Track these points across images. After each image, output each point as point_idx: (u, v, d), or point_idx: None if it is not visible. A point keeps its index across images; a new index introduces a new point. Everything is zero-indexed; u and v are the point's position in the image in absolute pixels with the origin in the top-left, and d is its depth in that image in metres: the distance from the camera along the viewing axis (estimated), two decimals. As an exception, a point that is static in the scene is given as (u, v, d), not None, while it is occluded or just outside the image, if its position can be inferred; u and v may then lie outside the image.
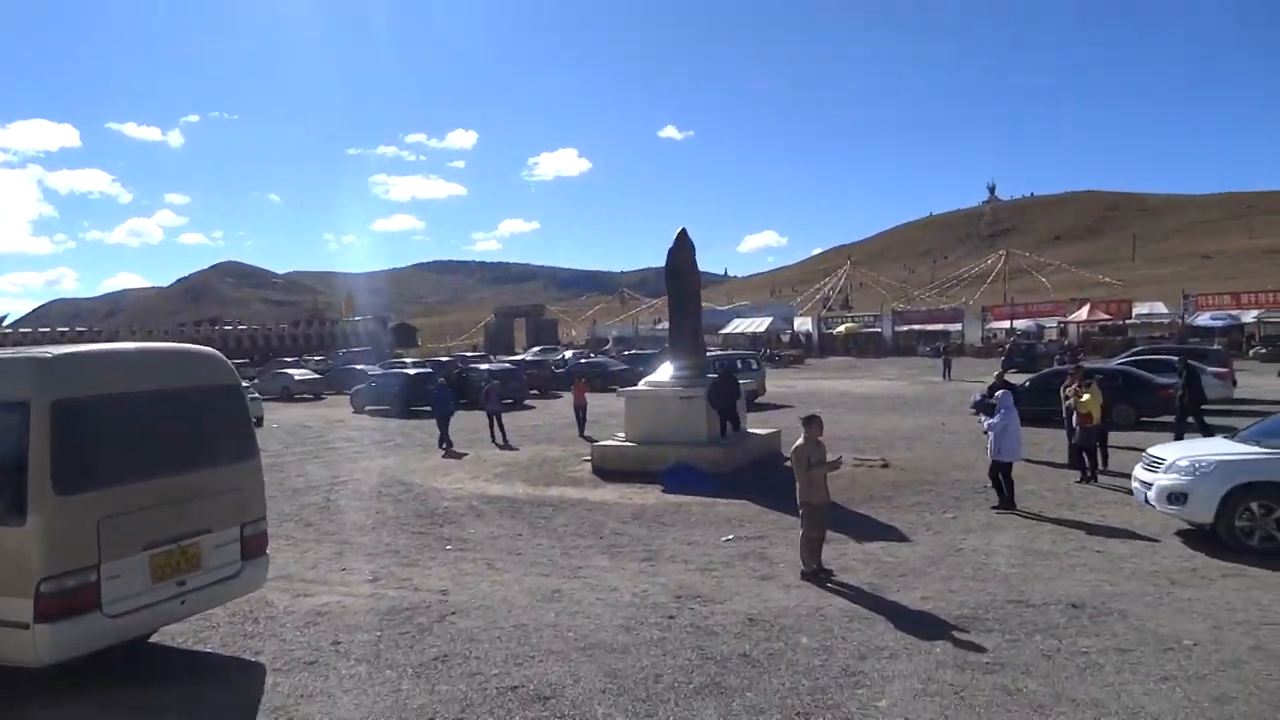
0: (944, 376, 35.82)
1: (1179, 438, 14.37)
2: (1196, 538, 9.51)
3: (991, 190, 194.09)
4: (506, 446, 19.70)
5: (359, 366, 40.39)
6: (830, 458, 8.92)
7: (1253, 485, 8.92)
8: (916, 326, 55.51)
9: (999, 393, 12.00)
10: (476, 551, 10.19)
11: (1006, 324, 51.97)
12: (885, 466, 15.04)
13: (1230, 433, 10.37)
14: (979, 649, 6.55)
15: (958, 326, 53.61)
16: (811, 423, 8.80)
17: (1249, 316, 44.15)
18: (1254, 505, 8.89)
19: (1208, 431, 15.72)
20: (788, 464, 15.66)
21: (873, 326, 58.30)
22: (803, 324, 63.14)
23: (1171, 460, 9.56)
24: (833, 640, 6.86)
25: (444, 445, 19.80)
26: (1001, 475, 11.55)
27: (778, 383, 38.59)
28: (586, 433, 20.76)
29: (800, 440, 8.75)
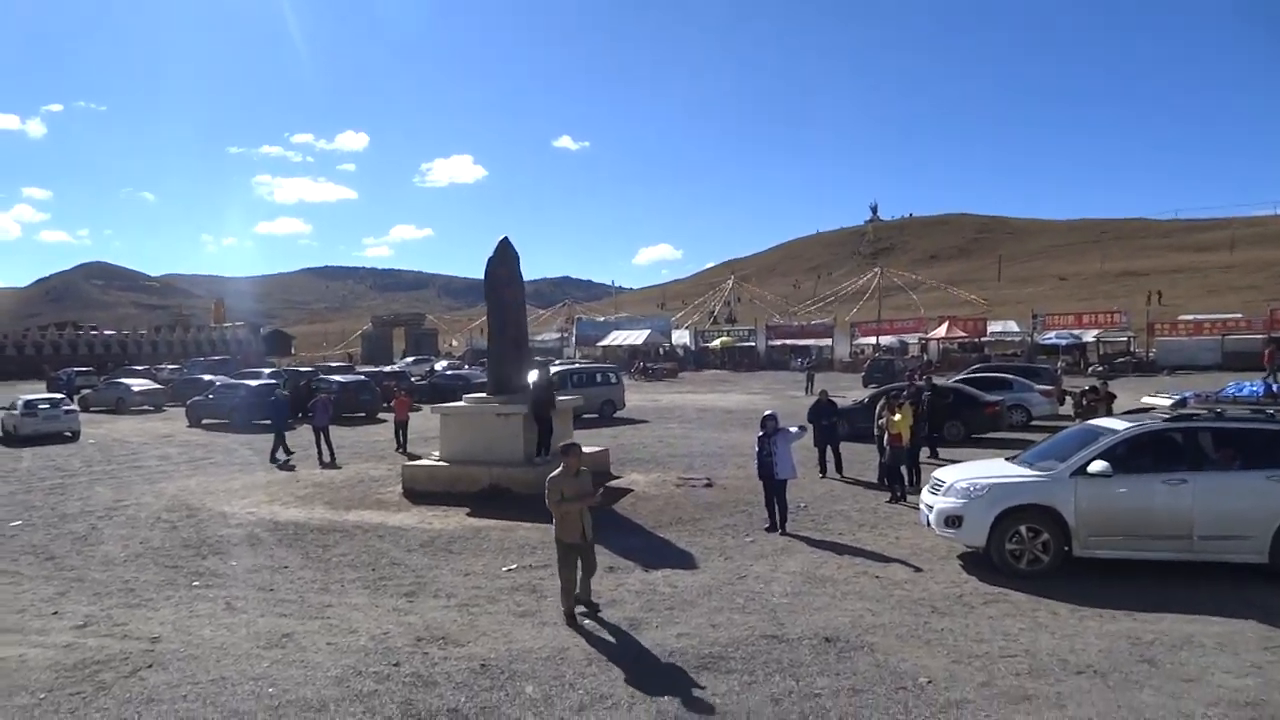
0: (807, 391, 36.31)
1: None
2: (974, 562, 9.45)
3: (874, 210, 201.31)
4: (331, 464, 18.54)
5: (205, 377, 37.87)
6: (587, 491, 8.09)
7: (1022, 508, 8.91)
8: (790, 341, 56.56)
9: (767, 412, 11.81)
10: (223, 588, 9.20)
11: (873, 340, 53.57)
12: (709, 486, 14.74)
13: (1016, 454, 10.43)
14: (708, 697, 6.11)
15: (828, 342, 54.95)
16: (569, 452, 8.12)
17: (1089, 336, 46.94)
18: (1023, 528, 8.87)
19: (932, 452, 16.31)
20: (610, 484, 15.48)
21: (747, 340, 59.09)
22: (680, 337, 63.49)
23: (950, 483, 9.48)
24: (560, 689, 6.29)
25: (276, 460, 18.72)
26: (776, 496, 11.33)
27: (644, 396, 38.42)
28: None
29: (557, 470, 8.08)
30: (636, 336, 60.55)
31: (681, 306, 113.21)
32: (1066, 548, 8.81)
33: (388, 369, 43.98)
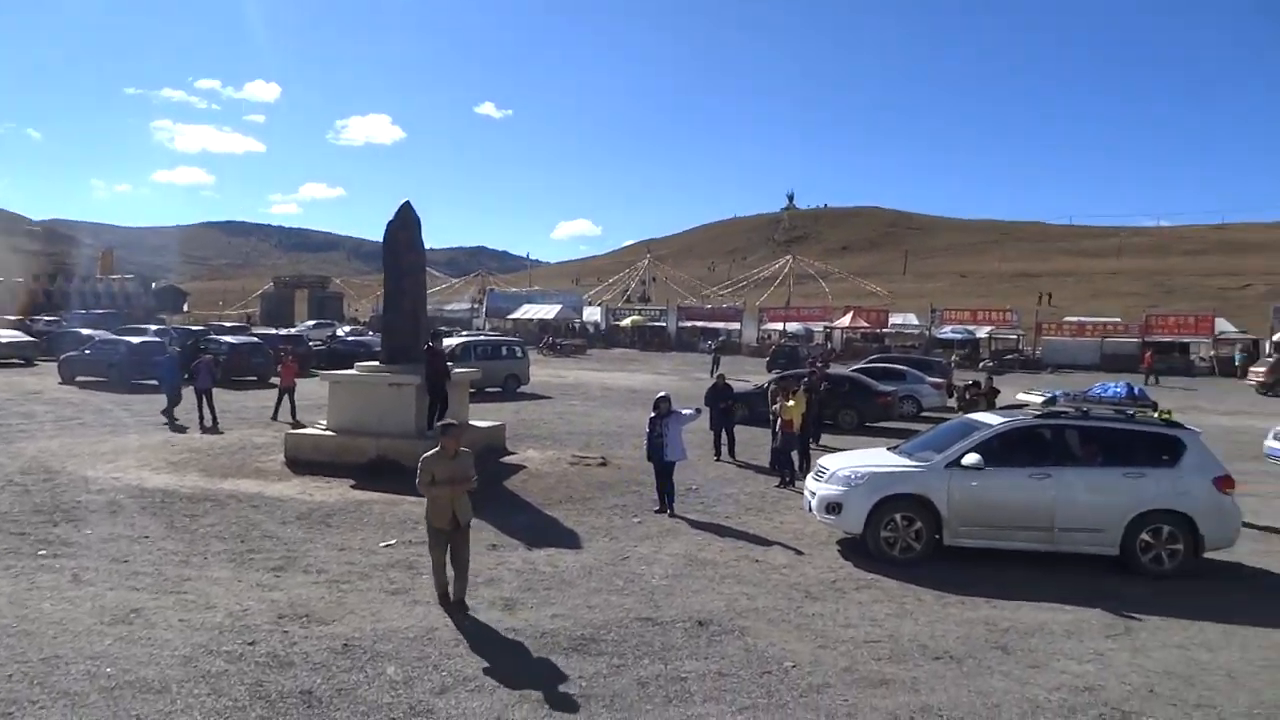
0: (712, 374, 36.56)
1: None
2: (852, 548, 9.67)
3: (790, 198, 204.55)
4: (213, 429, 17.69)
5: (84, 331, 35.62)
6: (463, 475, 7.38)
7: (899, 497, 9.15)
8: (700, 323, 57.07)
9: (660, 394, 11.84)
10: (73, 559, 8.63)
11: (781, 326, 54.56)
12: (603, 465, 14.67)
13: (897, 444, 10.71)
14: (574, 680, 6.04)
15: (737, 326, 55.68)
16: (448, 432, 7.53)
17: (982, 332, 49.00)
18: (898, 517, 9.12)
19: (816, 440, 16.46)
20: (504, 460, 15.27)
21: (658, 321, 59.36)
22: (591, 314, 63.29)
23: (832, 471, 9.67)
24: (423, 670, 6.12)
25: (172, 420, 18.39)
26: (665, 478, 11.39)
27: (550, 372, 38.13)
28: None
29: (433, 450, 7.51)
30: (547, 311, 60.01)
31: (597, 283, 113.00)
32: (938, 536, 9.11)
33: (284, 332, 42.32)
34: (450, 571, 7.47)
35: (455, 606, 7.31)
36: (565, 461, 14.89)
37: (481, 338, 33.17)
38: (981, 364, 43.50)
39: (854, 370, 23.57)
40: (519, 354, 29.42)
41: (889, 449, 10.26)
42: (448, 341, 29.77)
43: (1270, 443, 15.84)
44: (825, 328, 53.20)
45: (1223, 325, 46.09)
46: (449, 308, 69.13)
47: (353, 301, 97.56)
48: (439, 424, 7.85)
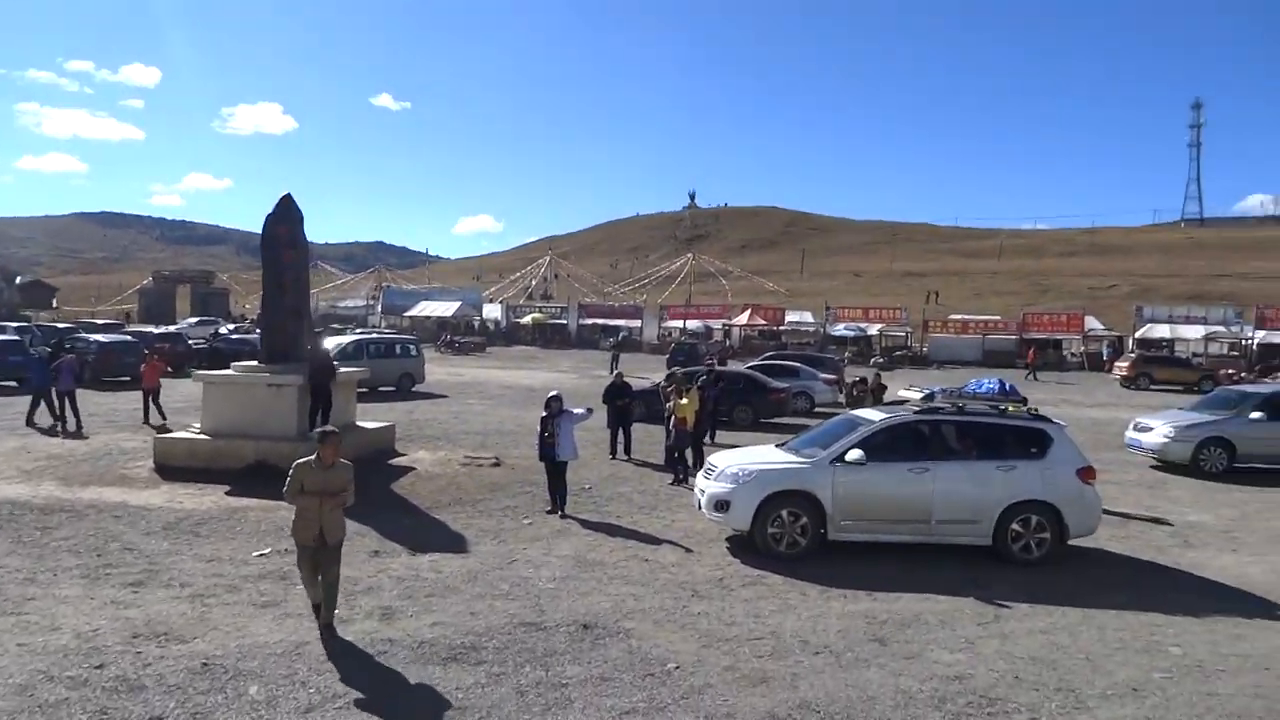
0: (611, 371, 36.62)
1: None
2: (740, 544, 9.75)
3: (692, 197, 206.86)
4: (77, 434, 16.52)
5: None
6: (336, 488, 6.66)
7: (785, 493, 9.27)
8: (601, 320, 57.08)
9: (551, 393, 11.71)
10: (-102, 580, 7.85)
11: (681, 323, 55.12)
12: (496, 465, 14.41)
13: (785, 440, 10.86)
14: (450, 692, 5.84)
15: (638, 323, 55.95)
16: (325, 440, 6.76)
17: (874, 329, 50.81)
18: (784, 513, 9.24)
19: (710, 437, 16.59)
20: (393, 462, 14.81)
21: (559, 318, 59.06)
22: (491, 311, 62.43)
23: (721, 469, 9.73)
24: (288, 688, 5.80)
25: (34, 424, 17.18)
26: (557, 478, 11.27)
27: (448, 370, 37.43)
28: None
29: (308, 457, 6.83)
30: (446, 308, 58.86)
31: (499, 280, 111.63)
32: (823, 531, 9.28)
33: (159, 330, 40.06)
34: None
35: (323, 631, 6.71)
36: (457, 462, 14.55)
37: (374, 335, 32.17)
38: (872, 360, 45.05)
39: (749, 367, 23.95)
40: (414, 352, 28.67)
41: (777, 446, 10.40)
42: (339, 340, 28.83)
43: (1130, 434, 16.88)
44: (724, 325, 54.03)
45: (1091, 323, 49.14)
46: (344, 304, 66.98)
47: (240, 298, 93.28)
48: (317, 431, 7.12)
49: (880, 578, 8.67)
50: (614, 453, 15.60)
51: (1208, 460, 15.47)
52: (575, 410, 11.59)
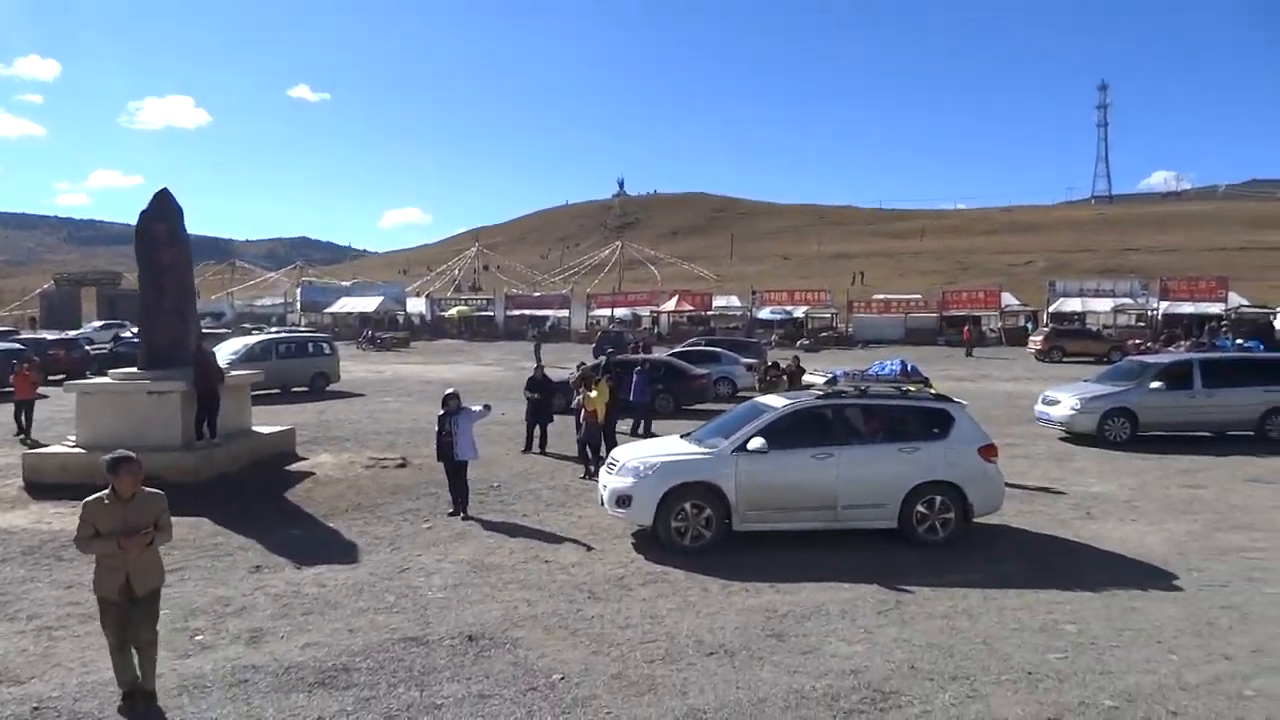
0: (535, 362, 36.09)
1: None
2: (646, 539, 9.45)
3: (621, 185, 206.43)
4: (-54, 452, 15.33)
5: None
6: (136, 526, 5.28)
7: (687, 485, 8.99)
8: (528, 311, 56.30)
9: (448, 391, 11.23)
10: None
11: (609, 311, 54.76)
12: (402, 467, 13.85)
13: (690, 431, 10.60)
14: (309, 720, 5.38)
15: (565, 313, 55.41)
16: (118, 469, 5.28)
17: (800, 311, 51.28)
18: (688, 506, 8.96)
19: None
20: (291, 468, 14.10)
21: (486, 310, 58.08)
22: (416, 305, 61.04)
23: (623, 462, 9.41)
24: (127, 729, 5.26)
25: None
26: (457, 478, 10.83)
27: (368, 367, 36.42)
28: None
29: (99, 494, 5.36)
30: (368, 304, 57.30)
31: (427, 273, 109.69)
32: (728, 522, 9.04)
33: (54, 336, 37.95)
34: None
35: (143, 699, 5.49)
36: (361, 465, 13.94)
37: (284, 335, 30.94)
38: (799, 343, 45.44)
39: (671, 354, 23.73)
40: (327, 350, 27.65)
41: (682, 436, 10.12)
42: (246, 340, 27.65)
43: (1040, 407, 17.15)
44: (652, 312, 53.86)
45: (1008, 299, 50.43)
46: (260, 303, 64.68)
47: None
48: (107, 458, 5.42)
49: (786, 568, 8.47)
50: (528, 446, 15.18)
51: (1112, 430, 15.80)
52: (473, 407, 11.14)
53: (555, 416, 15.80)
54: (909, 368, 9.77)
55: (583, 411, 13.37)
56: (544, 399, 15.44)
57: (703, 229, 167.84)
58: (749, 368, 23.65)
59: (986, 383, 29.39)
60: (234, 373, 14.48)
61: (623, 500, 9.12)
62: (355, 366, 37.10)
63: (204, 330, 14.41)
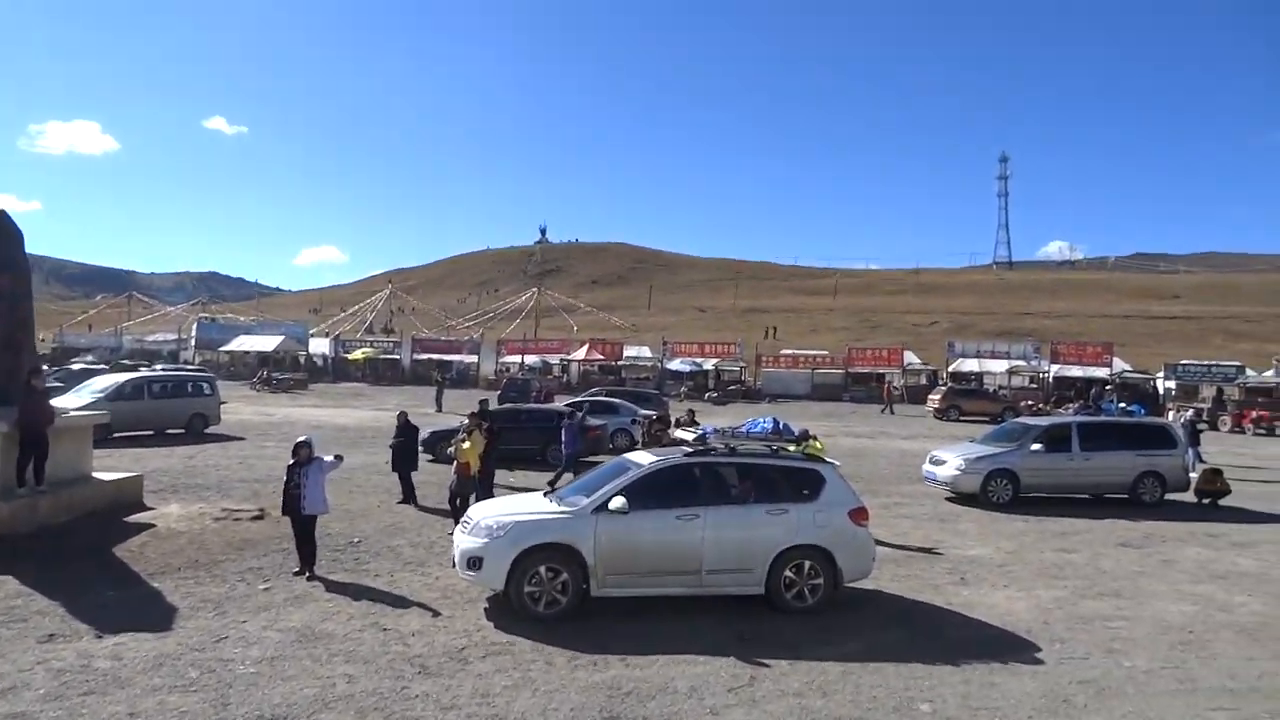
0: (436, 408, 35.11)
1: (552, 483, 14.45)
2: (501, 605, 8.79)
3: (543, 232, 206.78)
4: None
5: None
6: None
7: (543, 547, 8.42)
8: (436, 355, 54.97)
9: (299, 439, 10.44)
10: None
11: (519, 358, 53.92)
12: (258, 519, 12.84)
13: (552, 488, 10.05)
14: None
15: (474, 358, 54.32)
16: None
17: (709, 364, 51.52)
18: (543, 569, 8.37)
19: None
20: (131, 519, 12.93)
21: (392, 353, 56.48)
22: (319, 346, 58.94)
23: (476, 521, 8.78)
24: None
25: None
26: (304, 533, 10.00)
27: (258, 409, 34.72)
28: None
29: None
30: (267, 343, 55.00)
31: (340, 313, 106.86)
32: (586, 587, 8.48)
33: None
34: None
35: None
36: (211, 516, 12.88)
37: (159, 373, 29.19)
38: (707, 396, 45.50)
39: (567, 404, 23.18)
40: (207, 390, 26.08)
41: (544, 494, 9.54)
42: (117, 378, 25.92)
43: (927, 467, 17.21)
44: (562, 360, 53.28)
45: (910, 357, 51.75)
46: (152, 338, 61.49)
47: (48, 330, 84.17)
48: None
49: (643, 637, 7.95)
50: (404, 498, 14.41)
51: (995, 492, 15.91)
52: (325, 458, 10.35)
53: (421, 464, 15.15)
54: (780, 425, 9.42)
55: (455, 463, 12.66)
56: (401, 445, 14.78)
57: (623, 279, 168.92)
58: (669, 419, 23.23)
59: (885, 440, 29.72)
60: (74, 412, 13.28)
61: (474, 562, 8.48)
62: (245, 408, 35.34)
63: (38, 366, 13.19)
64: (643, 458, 9.42)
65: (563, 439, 16.69)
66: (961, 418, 37.23)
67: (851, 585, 9.44)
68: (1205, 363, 47.26)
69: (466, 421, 13.66)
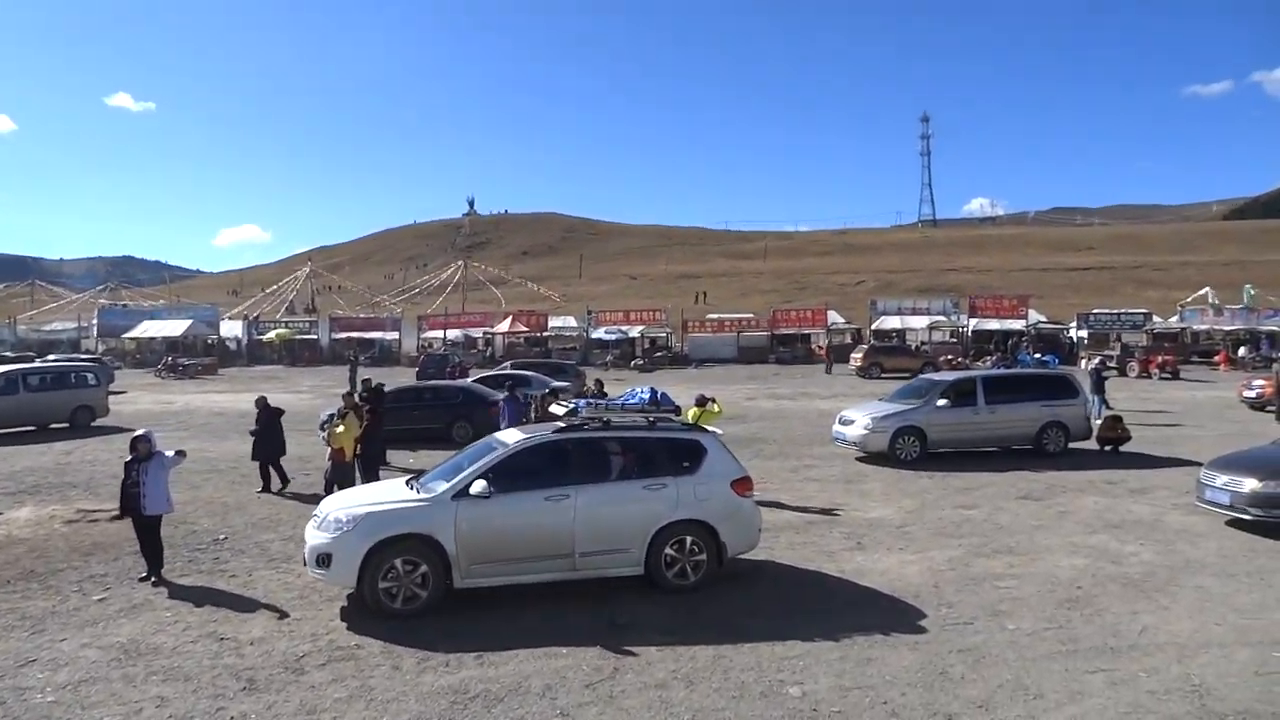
0: (350, 387, 33.77)
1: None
2: (361, 602, 8.10)
3: (471, 204, 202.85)
4: None
5: None
6: None
7: (397, 538, 7.74)
8: (356, 334, 53.17)
9: (137, 433, 9.51)
10: None
11: (441, 334, 52.55)
12: (117, 519, 11.80)
13: (416, 474, 9.36)
14: None
15: (395, 335, 52.75)
16: None
17: (635, 331, 50.98)
18: (398, 562, 7.70)
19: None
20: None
21: (309, 333, 54.48)
22: (232, 328, 56.50)
23: (325, 514, 8.05)
24: None
25: None
26: (148, 535, 9.15)
27: (158, 397, 33.09)
28: None
29: None
30: (174, 328, 52.44)
31: (262, 294, 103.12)
32: (448, 579, 7.84)
33: None
34: None
35: None
36: (63, 519, 11.88)
37: (36, 365, 27.39)
38: (634, 363, 45.00)
39: (475, 379, 22.36)
40: (92, 381, 24.48)
41: (408, 481, 8.83)
42: (-12, 371, 24.11)
43: (836, 428, 16.97)
44: (484, 334, 52.13)
45: (834, 317, 52.03)
46: (50, 328, 58.18)
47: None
48: None
49: (506, 630, 7.37)
50: (265, 486, 13.61)
51: (902, 449, 15.74)
52: (167, 453, 9.46)
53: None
54: (658, 395, 8.87)
55: (329, 449, 11.86)
56: (269, 430, 13.90)
57: (554, 249, 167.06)
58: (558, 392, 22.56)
59: (805, 401, 29.64)
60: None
61: (323, 559, 7.76)
62: (145, 397, 33.63)
63: None
64: (509, 436, 8.78)
65: (504, 415, 15.56)
66: (883, 375, 37.44)
67: (743, 557, 9.03)
68: (1115, 311, 48.61)
69: (342, 403, 12.84)
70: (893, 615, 7.79)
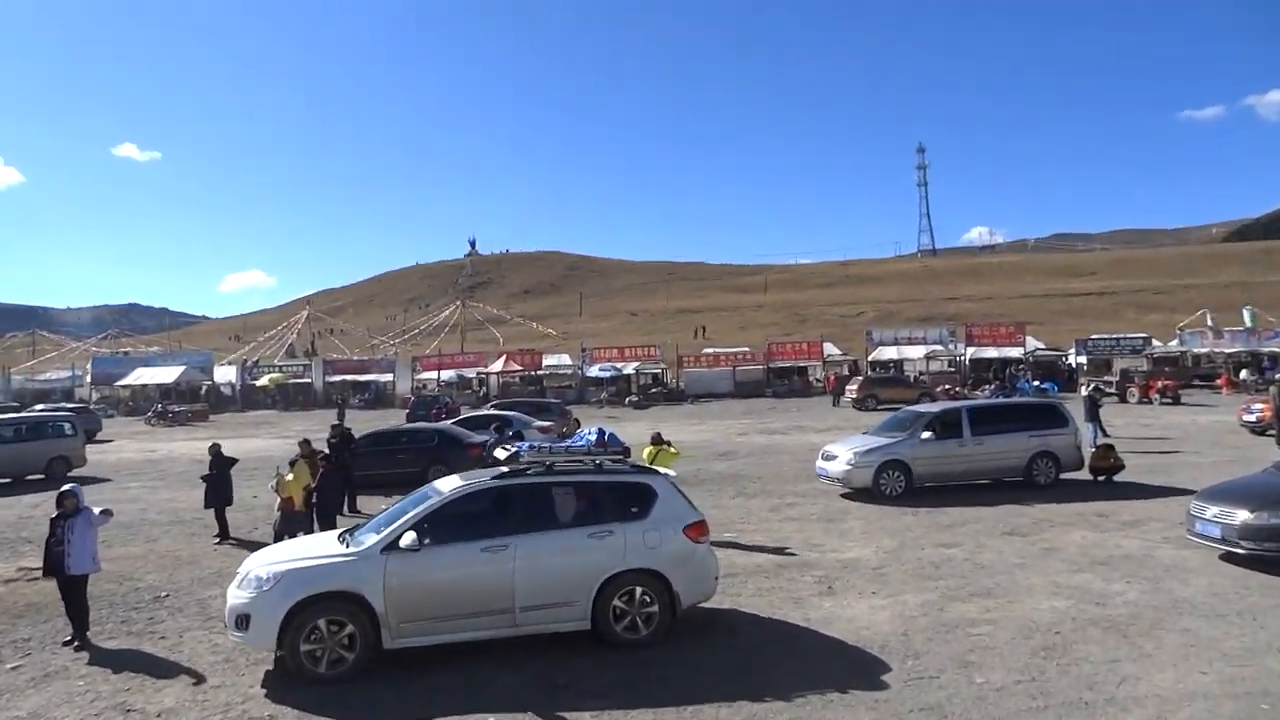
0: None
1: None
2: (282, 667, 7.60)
3: (473, 244, 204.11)
4: None
5: None
6: None
7: (321, 597, 7.25)
8: (350, 377, 52.91)
9: (63, 488, 9.08)
10: None
11: (435, 374, 52.20)
12: (38, 580, 11.35)
13: (360, 523, 8.89)
14: None
15: (390, 377, 52.45)
16: None
17: (630, 368, 50.57)
18: (323, 622, 7.20)
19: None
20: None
21: (303, 377, 54.19)
22: (226, 374, 56.29)
23: (246, 571, 7.57)
24: None
25: None
26: (72, 596, 8.66)
27: (143, 445, 32.82)
28: None
29: None
30: (167, 374, 52.24)
31: (264, 337, 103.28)
32: (378, 640, 7.33)
33: None
34: None
35: None
36: (1, 579, 11.39)
37: (10, 416, 27.07)
38: (628, 400, 44.55)
39: (455, 421, 21.93)
40: (69, 431, 24.11)
41: (341, 534, 8.35)
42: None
43: (820, 463, 16.44)
44: (479, 374, 51.77)
45: (830, 349, 51.57)
46: (44, 377, 58.06)
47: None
48: None
49: (434, 697, 6.85)
50: (221, 536, 13.20)
51: (887, 484, 15.21)
52: (95, 510, 9.00)
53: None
54: (606, 436, 8.42)
55: (279, 500, 11.41)
56: (219, 478, 13.56)
57: (556, 287, 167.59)
58: (544, 431, 22.11)
59: (799, 434, 29.08)
60: None
61: (241, 621, 7.27)
62: (131, 445, 33.33)
63: None
64: (446, 484, 8.31)
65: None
66: (879, 406, 36.86)
67: (703, 606, 8.51)
68: (1114, 336, 48.07)
69: (298, 450, 12.42)
70: (854, 669, 7.24)
